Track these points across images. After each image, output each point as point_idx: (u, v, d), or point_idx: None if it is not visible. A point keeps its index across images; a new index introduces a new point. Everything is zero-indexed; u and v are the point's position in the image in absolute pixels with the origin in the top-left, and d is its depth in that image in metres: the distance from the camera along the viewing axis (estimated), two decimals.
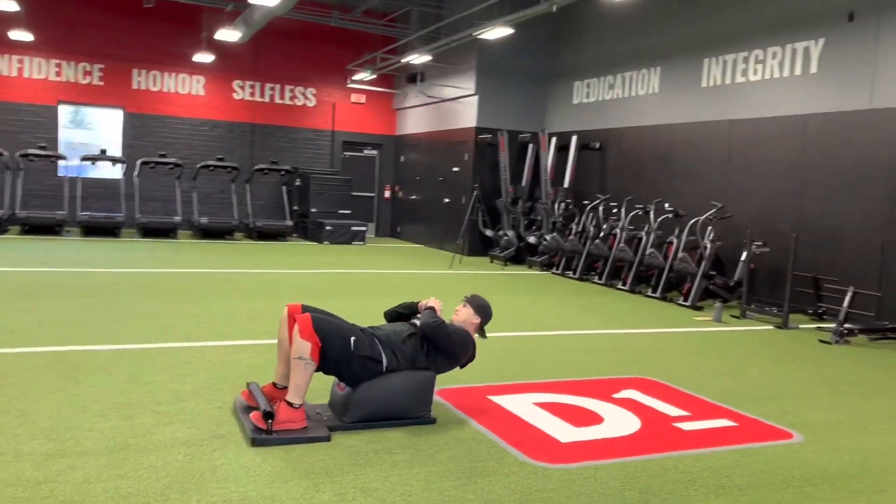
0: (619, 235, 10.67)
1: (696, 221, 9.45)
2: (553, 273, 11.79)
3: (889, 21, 8.07)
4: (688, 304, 8.94)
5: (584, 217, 11.62)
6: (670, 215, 9.91)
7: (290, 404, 3.78)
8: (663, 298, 9.44)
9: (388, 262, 12.36)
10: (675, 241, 9.65)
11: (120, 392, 4.34)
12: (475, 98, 14.02)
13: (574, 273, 11.26)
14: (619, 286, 10.28)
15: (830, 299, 8.20)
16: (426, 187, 16.16)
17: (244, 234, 15.49)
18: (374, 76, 16.06)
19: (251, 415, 3.78)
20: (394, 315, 4.36)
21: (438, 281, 10.25)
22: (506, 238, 12.93)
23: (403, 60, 13.72)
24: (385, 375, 3.95)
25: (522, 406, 4.50)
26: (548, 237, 12.20)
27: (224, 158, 15.28)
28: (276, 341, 4.17)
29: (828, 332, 7.45)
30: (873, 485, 3.53)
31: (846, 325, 7.30)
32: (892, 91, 8.03)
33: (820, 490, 3.43)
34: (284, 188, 16.21)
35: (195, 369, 4.93)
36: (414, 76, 15.91)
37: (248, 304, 7.60)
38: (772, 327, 7.90)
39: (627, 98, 12.15)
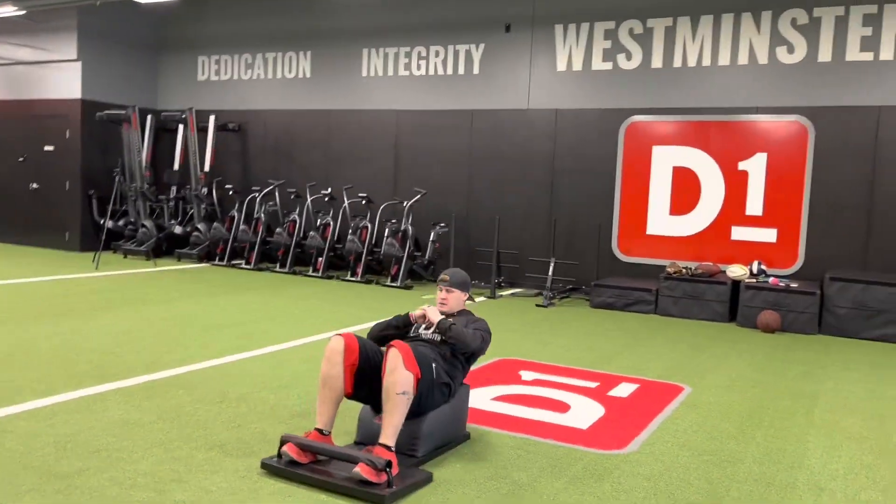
0: (298, 222, 10.58)
1: (404, 205, 9.98)
2: (216, 265, 10.99)
3: (540, 35, 9.78)
4: (398, 285, 9.49)
5: (257, 204, 11.10)
6: (363, 202, 10.25)
7: (388, 448, 3.26)
8: (367, 282, 9.79)
9: None
10: (368, 226, 10.06)
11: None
12: (78, 64, 11.92)
13: (248, 263, 10.74)
14: (310, 273, 10.23)
15: (520, 270, 9.73)
16: None
17: None
18: None
19: (359, 466, 3.12)
20: (385, 336, 3.89)
21: (94, 286, 8.73)
22: (143, 229, 11.47)
23: None
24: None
25: (489, 402, 4.57)
26: (201, 226, 11.30)
27: None
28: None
29: (534, 298, 8.92)
30: (789, 410, 4.74)
31: (551, 290, 8.84)
32: (544, 94, 9.79)
33: (787, 422, 4.48)
34: None
35: (130, 430, 3.62)
36: None
37: None
38: (484, 298, 9.01)
39: (273, 80, 11.89)
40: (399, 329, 3.91)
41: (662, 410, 4.61)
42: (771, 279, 7.97)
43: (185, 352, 5.54)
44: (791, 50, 8.42)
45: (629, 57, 9.26)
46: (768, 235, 8.60)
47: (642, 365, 5.84)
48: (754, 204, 8.66)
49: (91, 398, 4.32)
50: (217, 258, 11.09)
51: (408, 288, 9.45)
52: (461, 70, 10.35)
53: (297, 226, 10.59)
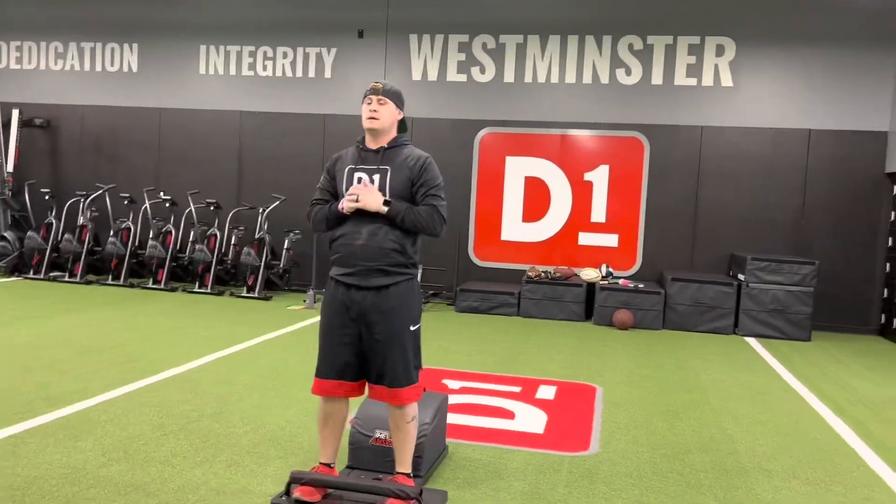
0: (133, 230, 9.72)
1: (261, 212, 9.50)
2: (30, 278, 9.74)
3: (394, 43, 9.86)
4: (255, 295, 9.06)
5: (82, 210, 9.99)
6: (211, 208, 9.62)
7: (409, 476, 3.21)
8: (219, 293, 9.24)
9: None
10: (216, 234, 9.50)
11: None
12: None
13: (73, 276, 9.65)
14: (150, 285, 9.42)
15: None
16: None
17: None
18: None
19: (389, 502, 3.03)
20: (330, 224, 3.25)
21: None
22: None
23: None
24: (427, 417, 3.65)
25: None
26: (8, 235, 9.97)
27: None
28: None
29: None
30: (692, 402, 5.27)
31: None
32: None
33: (698, 413, 4.98)
34: None
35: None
36: None
37: None
38: None
39: (91, 72, 10.78)
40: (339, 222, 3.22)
41: (594, 411, 4.93)
42: (621, 281, 8.75)
43: (79, 382, 4.92)
44: (629, 72, 9.29)
45: (483, 70, 9.65)
46: (611, 240, 9.42)
47: (542, 366, 6.18)
48: (598, 212, 9.44)
49: (8, 441, 3.72)
50: (32, 270, 9.83)
51: (267, 299, 9.07)
52: (312, 73, 10.12)
53: (132, 234, 9.72)
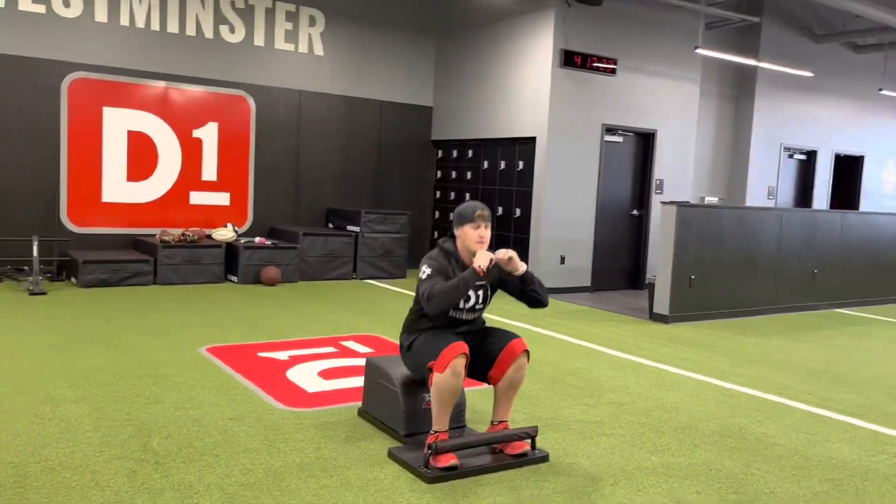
0: None
1: None
2: None
3: None
4: None
5: None
6: None
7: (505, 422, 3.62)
8: None
9: None
10: None
11: None
12: None
13: None
14: None
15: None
16: None
17: None
18: None
19: (515, 445, 3.42)
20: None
21: None
22: None
23: None
24: None
25: (323, 381, 4.64)
26: None
27: None
28: None
29: (24, 285, 7.33)
30: None
31: (39, 274, 7.37)
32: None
33: None
34: None
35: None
36: None
37: None
38: None
39: None
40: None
41: None
42: (258, 239, 8.90)
43: None
44: (233, 30, 9.24)
45: (67, 4, 8.23)
46: (223, 199, 9.36)
47: (304, 325, 6.30)
48: (209, 170, 9.24)
49: None
50: None
51: None
52: None
53: None
